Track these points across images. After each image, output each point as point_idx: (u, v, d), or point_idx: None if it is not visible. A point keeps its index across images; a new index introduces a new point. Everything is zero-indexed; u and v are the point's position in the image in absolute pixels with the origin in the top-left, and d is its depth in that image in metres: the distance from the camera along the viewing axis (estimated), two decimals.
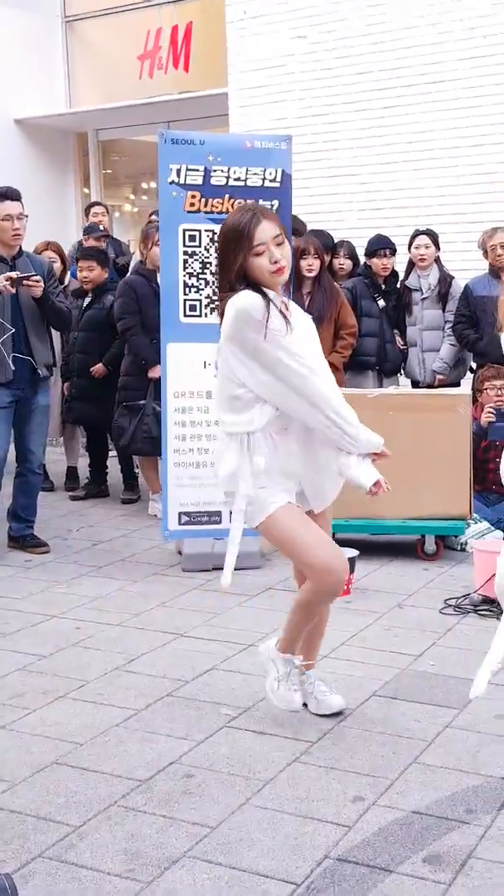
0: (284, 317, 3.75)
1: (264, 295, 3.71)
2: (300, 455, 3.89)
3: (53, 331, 7.16)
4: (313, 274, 7.24)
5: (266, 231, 3.71)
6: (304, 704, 4.19)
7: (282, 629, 4.14)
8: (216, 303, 6.24)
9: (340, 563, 3.91)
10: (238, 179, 6.24)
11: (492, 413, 6.80)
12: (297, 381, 3.73)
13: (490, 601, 5.47)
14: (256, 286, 3.73)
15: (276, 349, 3.69)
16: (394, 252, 8.24)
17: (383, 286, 8.19)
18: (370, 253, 8.19)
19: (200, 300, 6.31)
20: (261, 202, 6.21)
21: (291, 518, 3.86)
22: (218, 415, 3.96)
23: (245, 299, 3.69)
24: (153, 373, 7.26)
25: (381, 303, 8.09)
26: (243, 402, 3.80)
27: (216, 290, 6.22)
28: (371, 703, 4.29)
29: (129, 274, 8.08)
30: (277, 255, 3.72)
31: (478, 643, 5.01)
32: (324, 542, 3.89)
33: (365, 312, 7.97)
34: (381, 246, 8.19)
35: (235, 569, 6.21)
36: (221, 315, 3.82)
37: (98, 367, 8.07)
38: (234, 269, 3.72)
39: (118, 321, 7.64)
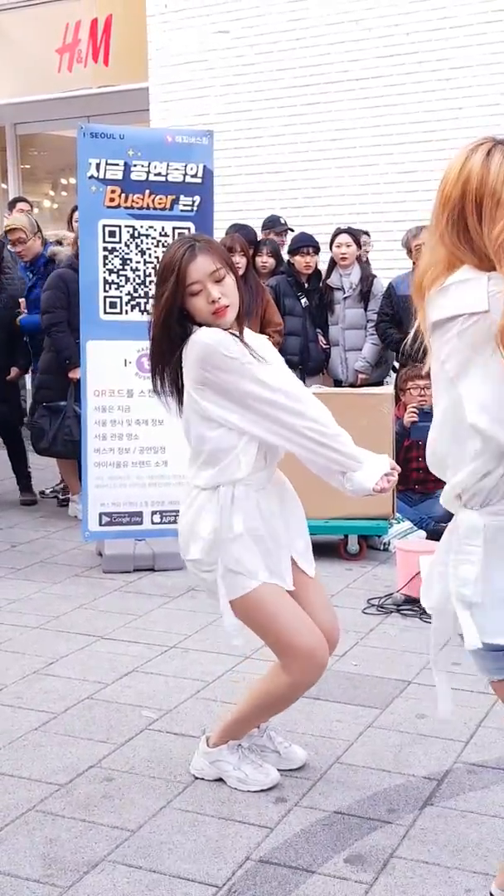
0: (249, 347, 3.35)
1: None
2: (280, 514, 3.50)
3: None
4: (240, 272, 7.20)
5: (201, 267, 3.27)
6: None
7: (224, 723, 3.68)
8: (137, 300, 6.25)
9: (324, 645, 3.47)
10: (159, 175, 6.19)
11: (415, 413, 6.83)
12: (285, 416, 3.32)
13: (413, 601, 5.48)
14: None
15: (251, 383, 3.29)
16: (317, 250, 8.24)
17: (306, 285, 8.18)
18: (293, 251, 8.18)
19: (121, 297, 6.24)
20: (182, 198, 6.19)
21: (275, 596, 3.42)
22: (188, 471, 3.51)
23: (206, 335, 3.28)
24: (74, 374, 7.02)
25: (305, 301, 8.08)
26: (223, 448, 3.35)
27: (136, 287, 6.23)
28: (294, 704, 4.23)
29: (60, 267, 7.85)
30: (215, 294, 3.28)
31: (400, 643, 5.02)
32: (309, 624, 3.43)
33: (288, 311, 7.96)
34: (303, 244, 8.18)
35: (157, 570, 6.21)
36: (157, 358, 3.43)
37: (15, 372, 7.91)
38: (169, 310, 3.31)
39: (44, 314, 7.36)
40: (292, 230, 8.99)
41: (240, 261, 7.19)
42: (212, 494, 3.40)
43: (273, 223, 9.14)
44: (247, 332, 3.44)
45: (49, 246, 7.84)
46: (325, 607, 3.61)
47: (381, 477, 3.45)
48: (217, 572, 3.39)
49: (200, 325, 3.34)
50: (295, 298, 8.04)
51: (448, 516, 2.50)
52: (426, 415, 6.76)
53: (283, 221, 9.13)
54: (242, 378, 3.28)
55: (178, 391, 3.45)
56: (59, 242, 7.82)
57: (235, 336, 3.32)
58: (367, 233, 8.99)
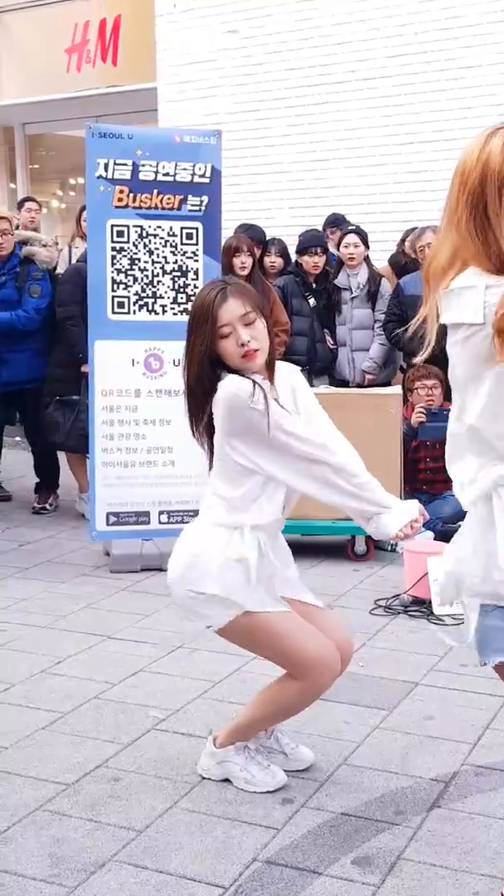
0: (274, 395, 3.35)
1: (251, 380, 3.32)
2: (273, 547, 3.49)
3: None
4: (245, 272, 7.20)
5: (232, 310, 3.29)
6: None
7: (232, 725, 3.69)
8: (145, 300, 6.24)
9: (333, 651, 3.46)
10: (167, 174, 6.19)
11: (422, 413, 6.82)
12: (315, 469, 3.32)
13: (420, 602, 5.48)
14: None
15: (279, 433, 3.29)
16: (325, 250, 8.23)
17: (314, 285, 8.17)
18: (301, 251, 8.16)
19: (129, 297, 6.24)
20: (190, 198, 6.19)
21: (274, 614, 3.42)
22: (208, 499, 3.49)
23: (231, 385, 3.28)
24: (87, 368, 7.01)
25: (312, 301, 8.07)
26: (252, 498, 3.39)
27: (144, 286, 6.22)
28: None
29: (76, 261, 7.80)
30: (245, 337, 3.29)
31: (408, 644, 5.02)
32: (312, 632, 3.44)
33: (296, 311, 7.95)
34: (312, 244, 8.16)
35: (164, 570, 6.19)
36: (193, 406, 3.42)
37: None
38: (202, 354, 3.31)
39: (59, 307, 7.35)
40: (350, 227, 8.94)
41: (246, 261, 7.18)
42: (227, 531, 3.41)
43: (337, 222, 9.05)
44: (277, 375, 3.46)
45: (20, 247, 7.52)
46: (334, 625, 3.61)
47: (407, 523, 3.41)
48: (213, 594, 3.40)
49: (231, 370, 3.34)
50: (302, 298, 8.03)
51: (455, 516, 2.50)
52: (434, 415, 6.75)
53: (346, 220, 9.02)
54: (269, 429, 3.27)
55: (211, 439, 3.46)
56: (24, 243, 7.53)
57: (259, 385, 3.30)
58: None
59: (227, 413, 3.30)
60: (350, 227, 8.29)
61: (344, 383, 8.23)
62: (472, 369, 2.26)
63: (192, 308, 3.42)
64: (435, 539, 6.39)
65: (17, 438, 9.02)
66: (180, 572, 3.48)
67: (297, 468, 3.33)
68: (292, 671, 3.46)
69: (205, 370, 3.34)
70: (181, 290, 6.28)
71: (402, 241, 8.72)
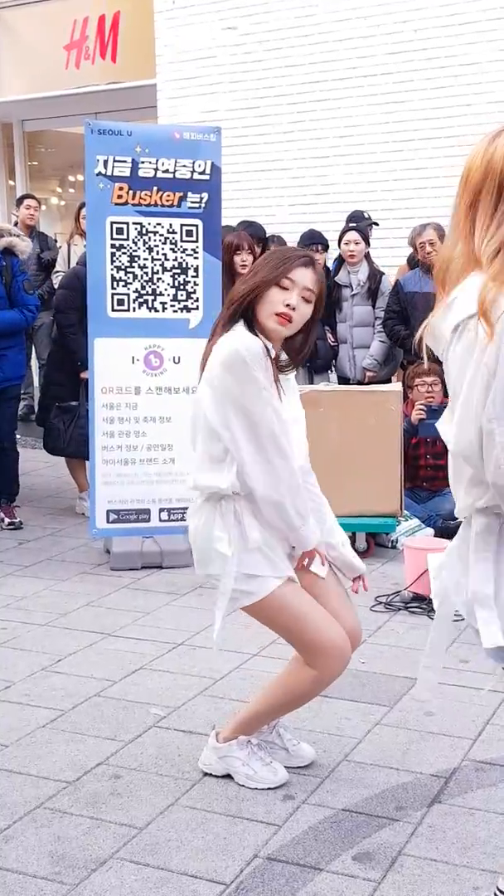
0: (276, 379, 3.36)
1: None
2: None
3: None
4: (247, 270, 7.18)
5: (305, 276, 3.33)
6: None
7: (238, 718, 3.67)
8: (144, 297, 6.24)
9: (346, 639, 3.46)
10: (166, 171, 6.18)
11: (422, 410, 6.82)
12: (277, 460, 3.32)
13: (421, 598, 5.48)
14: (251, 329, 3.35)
15: (265, 407, 3.29)
16: (326, 248, 8.23)
17: None
18: (304, 247, 8.16)
19: (128, 294, 6.23)
20: (190, 195, 6.19)
21: (295, 595, 3.42)
22: (195, 477, 3.45)
23: (241, 342, 3.28)
24: (86, 375, 6.86)
25: None
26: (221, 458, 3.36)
27: (144, 284, 6.22)
28: None
29: (76, 264, 7.73)
30: (294, 301, 3.31)
31: (408, 640, 5.02)
32: (330, 619, 3.44)
33: None
34: (313, 241, 8.18)
35: (164, 567, 6.21)
36: (212, 337, 3.42)
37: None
38: (254, 284, 3.33)
39: (57, 314, 7.36)
40: (377, 224, 8.94)
41: (246, 258, 7.17)
42: (215, 506, 3.40)
43: (357, 218, 9.05)
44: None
45: None
46: (344, 607, 3.60)
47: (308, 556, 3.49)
48: (231, 578, 3.38)
49: (252, 325, 3.35)
50: None
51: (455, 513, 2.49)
52: (434, 412, 6.75)
53: (367, 216, 9.00)
54: (257, 399, 3.27)
55: None
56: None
57: (268, 353, 3.31)
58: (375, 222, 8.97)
59: (224, 366, 3.28)
60: (350, 225, 8.30)
61: (345, 380, 8.24)
62: (463, 365, 2.25)
63: (276, 251, 3.43)
64: (435, 536, 6.41)
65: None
66: (197, 559, 3.52)
67: (264, 468, 3.32)
68: (306, 655, 3.46)
69: (236, 309, 3.36)
70: (181, 287, 6.28)
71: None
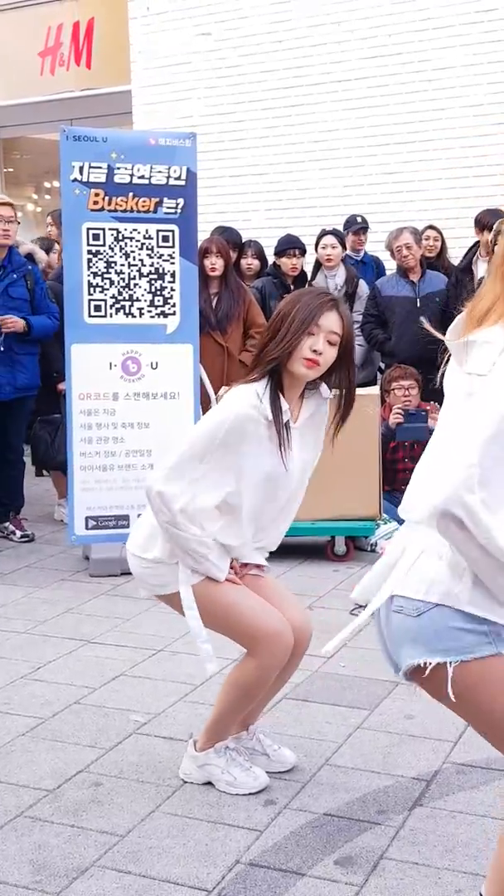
0: (280, 439, 3.42)
1: (276, 401, 3.41)
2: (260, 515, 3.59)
3: None
4: (216, 273, 7.16)
5: (329, 321, 3.38)
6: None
7: (206, 725, 3.69)
8: (121, 303, 6.23)
9: (287, 627, 3.49)
10: (142, 177, 6.18)
11: (400, 414, 6.83)
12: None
13: None
14: (277, 382, 3.43)
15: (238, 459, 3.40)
16: (303, 252, 8.24)
17: (292, 287, 8.18)
18: (279, 252, 8.17)
19: (105, 300, 6.22)
20: (166, 200, 6.18)
21: (217, 589, 3.47)
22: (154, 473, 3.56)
23: (238, 408, 3.38)
24: (62, 386, 6.81)
25: None
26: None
27: (121, 289, 6.20)
28: (282, 706, 4.26)
29: (49, 280, 7.71)
30: (321, 347, 3.37)
31: None
32: (267, 607, 3.49)
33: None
34: (290, 245, 8.17)
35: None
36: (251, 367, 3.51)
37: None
38: (286, 348, 3.37)
39: None
40: (367, 227, 8.95)
41: (216, 262, 7.16)
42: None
43: (349, 223, 9.05)
44: (313, 399, 3.60)
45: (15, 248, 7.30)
46: (285, 602, 3.63)
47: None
48: (166, 569, 3.47)
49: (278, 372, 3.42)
50: (280, 300, 8.01)
51: None
52: (411, 416, 6.77)
53: (359, 220, 9.02)
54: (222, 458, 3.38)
55: None
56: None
57: (276, 414, 3.39)
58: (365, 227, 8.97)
59: (217, 425, 3.38)
60: (327, 229, 8.31)
61: None
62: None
63: (304, 299, 3.43)
64: None
65: None
66: (136, 541, 3.63)
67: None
68: (245, 644, 3.50)
69: (267, 362, 3.41)
70: (158, 292, 6.27)
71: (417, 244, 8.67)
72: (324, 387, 3.60)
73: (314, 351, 3.37)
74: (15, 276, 6.91)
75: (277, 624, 3.45)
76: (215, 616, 3.48)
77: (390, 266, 8.65)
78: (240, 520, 3.48)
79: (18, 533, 7.16)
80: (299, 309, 3.38)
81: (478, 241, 7.91)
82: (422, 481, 2.29)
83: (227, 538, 3.48)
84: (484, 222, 7.88)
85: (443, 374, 2.36)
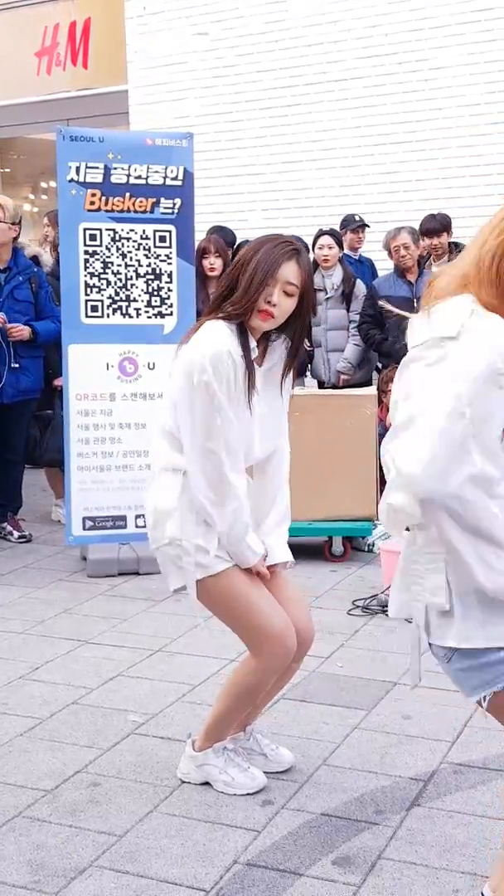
0: (250, 378, 3.35)
1: (244, 335, 3.35)
2: (256, 494, 3.55)
3: None
4: (215, 273, 7.18)
5: (287, 272, 3.30)
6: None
7: (205, 725, 3.67)
8: (118, 303, 6.23)
9: (292, 631, 3.47)
10: (139, 177, 6.18)
11: None
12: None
13: None
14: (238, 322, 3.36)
15: (214, 415, 3.31)
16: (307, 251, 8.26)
17: None
18: None
19: (102, 300, 6.22)
20: (162, 200, 6.18)
21: (244, 578, 3.43)
22: (155, 445, 3.53)
23: (208, 347, 3.28)
24: (59, 382, 6.90)
25: None
26: None
27: (118, 290, 6.21)
28: (280, 706, 4.26)
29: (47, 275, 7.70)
30: (275, 299, 3.30)
31: (386, 644, 5.02)
32: (278, 608, 3.45)
33: None
34: None
35: (141, 573, 6.20)
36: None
37: None
38: (251, 300, 3.30)
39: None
40: (368, 225, 8.94)
41: (215, 262, 7.16)
42: (176, 475, 3.41)
43: (347, 221, 9.05)
44: (277, 348, 3.49)
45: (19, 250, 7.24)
46: (294, 603, 3.60)
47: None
48: (186, 549, 3.38)
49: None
50: None
51: None
52: None
53: (357, 218, 9.03)
54: (206, 407, 3.29)
55: None
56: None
57: (244, 353, 3.32)
58: (365, 225, 8.98)
59: (185, 375, 3.31)
60: (323, 229, 8.31)
61: (320, 383, 8.27)
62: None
63: (264, 249, 3.34)
64: None
65: None
66: (150, 529, 3.50)
67: (200, 464, 3.35)
68: (249, 641, 3.47)
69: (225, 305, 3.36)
70: (155, 293, 6.27)
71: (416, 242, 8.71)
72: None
73: (268, 302, 3.31)
74: (20, 278, 6.90)
75: (283, 626, 3.43)
76: (227, 609, 3.45)
77: (382, 267, 8.67)
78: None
79: (16, 533, 7.16)
80: (260, 261, 3.32)
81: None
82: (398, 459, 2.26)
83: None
84: (432, 228, 8.18)
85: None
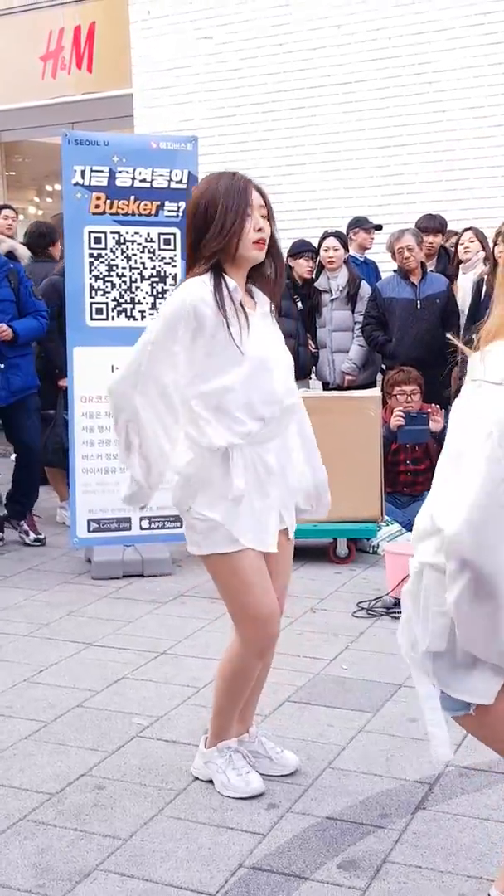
0: (239, 316, 3.31)
1: (219, 286, 3.30)
2: (281, 472, 3.46)
3: None
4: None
5: (257, 198, 3.35)
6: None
7: (209, 723, 3.70)
8: (123, 306, 6.23)
9: (277, 617, 3.49)
10: (144, 181, 6.19)
11: (401, 417, 6.82)
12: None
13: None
14: (219, 270, 3.33)
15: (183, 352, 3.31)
16: (316, 254, 8.29)
17: (302, 288, 8.24)
18: (295, 254, 8.21)
19: (107, 303, 6.23)
20: (167, 203, 6.19)
21: (253, 565, 3.40)
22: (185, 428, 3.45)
23: (190, 292, 3.29)
24: (63, 382, 6.89)
25: (300, 304, 8.12)
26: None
27: (122, 293, 6.21)
28: (285, 709, 4.26)
29: (53, 274, 7.71)
30: (262, 223, 3.33)
31: (391, 646, 5.01)
32: (271, 594, 3.44)
33: (284, 313, 7.95)
34: (305, 248, 8.28)
35: (146, 576, 6.20)
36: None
37: None
38: (230, 224, 3.28)
39: None
40: (380, 227, 8.93)
41: None
42: (191, 443, 3.40)
43: (361, 221, 9.02)
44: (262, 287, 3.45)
45: None
46: (282, 573, 3.58)
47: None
48: (198, 519, 3.39)
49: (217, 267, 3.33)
50: (291, 301, 8.03)
51: None
52: (412, 418, 6.76)
53: (369, 220, 9.01)
54: (160, 321, 3.33)
55: None
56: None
57: (227, 292, 3.29)
58: (379, 227, 8.95)
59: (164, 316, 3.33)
60: (329, 231, 8.33)
61: (324, 384, 8.28)
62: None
63: (223, 182, 3.34)
64: None
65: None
66: (174, 495, 3.49)
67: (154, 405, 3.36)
68: (236, 620, 3.48)
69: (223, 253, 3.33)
70: (159, 295, 6.27)
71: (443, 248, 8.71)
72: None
73: (259, 230, 3.31)
74: None
75: (272, 613, 3.45)
76: (228, 588, 3.43)
77: (386, 269, 8.66)
78: None
79: (32, 535, 7.09)
80: (225, 194, 3.30)
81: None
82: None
83: None
84: (428, 227, 8.28)
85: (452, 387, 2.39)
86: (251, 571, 3.40)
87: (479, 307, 6.92)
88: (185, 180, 6.26)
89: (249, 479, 3.36)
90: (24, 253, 7.36)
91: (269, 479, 3.41)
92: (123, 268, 6.23)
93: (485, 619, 2.19)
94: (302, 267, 8.18)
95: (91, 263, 6.19)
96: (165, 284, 6.29)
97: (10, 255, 7.07)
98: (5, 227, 10.00)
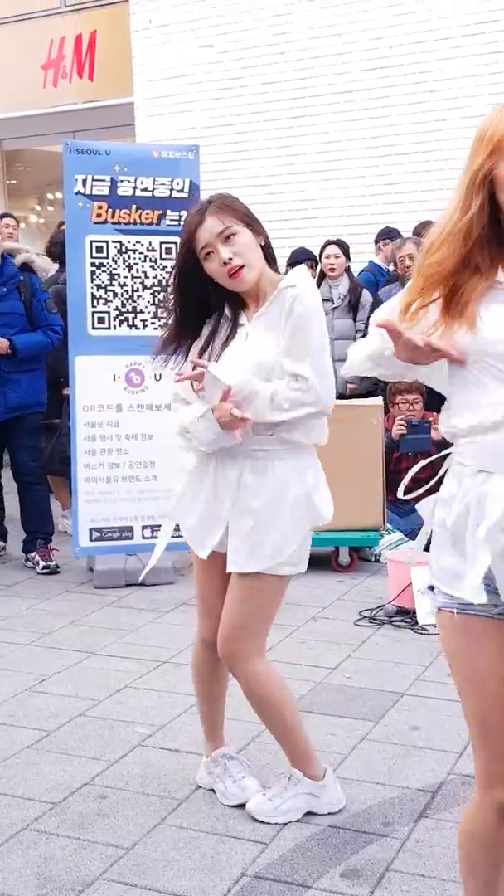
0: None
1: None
2: (237, 492, 3.33)
3: None
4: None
5: (209, 229, 3.16)
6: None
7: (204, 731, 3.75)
8: (125, 315, 6.24)
9: (213, 636, 3.48)
10: (145, 190, 6.20)
11: (403, 425, 6.82)
12: None
13: (405, 612, 5.48)
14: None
15: None
16: (317, 263, 8.32)
17: None
18: (296, 263, 8.22)
19: (109, 312, 6.24)
20: (169, 212, 6.20)
21: (197, 565, 3.49)
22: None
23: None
24: (68, 391, 6.72)
25: None
26: None
27: (124, 302, 6.23)
28: None
29: (57, 284, 7.66)
30: (225, 255, 3.13)
31: (393, 655, 5.02)
32: (212, 611, 3.50)
33: None
34: (306, 256, 8.31)
35: (148, 585, 6.20)
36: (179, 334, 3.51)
37: None
38: (181, 278, 3.28)
39: None
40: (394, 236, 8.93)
41: None
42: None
43: (390, 233, 9.00)
44: (277, 295, 3.26)
45: (9, 257, 6.78)
46: (227, 608, 3.48)
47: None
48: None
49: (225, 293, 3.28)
50: None
51: None
52: (414, 427, 6.76)
53: (399, 232, 9.02)
54: None
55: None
56: (10, 255, 6.80)
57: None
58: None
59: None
60: (331, 239, 8.35)
61: None
62: None
63: (180, 240, 3.30)
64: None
65: None
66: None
67: None
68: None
69: (189, 297, 3.32)
70: (161, 304, 6.28)
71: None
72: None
73: (225, 264, 3.15)
74: (5, 289, 6.51)
75: (205, 633, 3.58)
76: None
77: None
78: None
79: (42, 563, 6.64)
80: (180, 247, 3.28)
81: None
82: None
83: None
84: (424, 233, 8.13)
85: None
86: (197, 568, 3.54)
87: None
88: (186, 189, 6.27)
89: (211, 476, 3.35)
90: (43, 265, 7.08)
91: (221, 489, 3.34)
92: (125, 277, 6.24)
93: None
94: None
95: (93, 273, 6.20)
96: (167, 293, 6.30)
97: (25, 266, 6.75)
98: (6, 236, 10.02)
